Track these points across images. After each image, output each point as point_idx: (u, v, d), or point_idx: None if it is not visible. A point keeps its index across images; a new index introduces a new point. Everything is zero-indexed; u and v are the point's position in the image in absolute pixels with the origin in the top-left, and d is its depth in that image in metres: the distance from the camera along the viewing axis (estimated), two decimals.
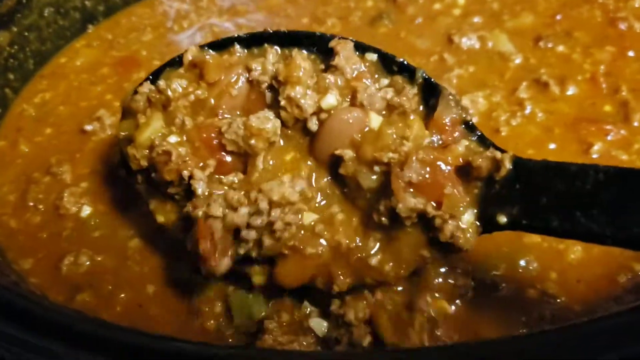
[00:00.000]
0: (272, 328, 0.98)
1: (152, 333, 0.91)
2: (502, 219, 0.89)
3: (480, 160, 0.89)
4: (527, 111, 1.29)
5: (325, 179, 0.99)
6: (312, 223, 0.94)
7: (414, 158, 0.90)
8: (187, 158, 0.95)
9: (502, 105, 1.31)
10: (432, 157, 0.91)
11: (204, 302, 1.04)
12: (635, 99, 1.28)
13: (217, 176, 0.96)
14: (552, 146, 1.22)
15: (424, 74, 0.99)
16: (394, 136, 0.94)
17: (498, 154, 0.90)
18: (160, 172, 0.96)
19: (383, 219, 0.92)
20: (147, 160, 0.98)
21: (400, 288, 1.02)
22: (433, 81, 0.99)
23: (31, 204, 1.22)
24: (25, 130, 1.38)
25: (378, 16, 1.59)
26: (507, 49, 1.42)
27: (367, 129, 0.96)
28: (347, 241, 0.94)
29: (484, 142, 0.97)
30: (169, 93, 0.99)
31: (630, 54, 1.37)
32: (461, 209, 0.90)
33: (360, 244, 0.95)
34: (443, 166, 0.91)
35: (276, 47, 1.03)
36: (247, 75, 1.00)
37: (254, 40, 1.04)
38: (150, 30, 1.65)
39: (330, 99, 0.96)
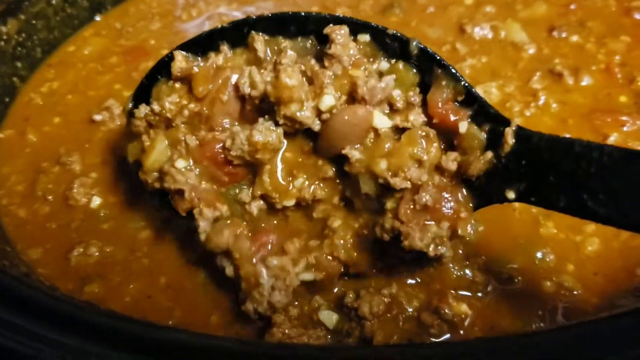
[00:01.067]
0: (281, 322, 0.96)
1: (161, 324, 0.92)
2: (511, 195, 0.90)
3: (472, 164, 0.90)
4: (541, 102, 1.27)
5: (330, 172, 0.99)
6: None
7: (429, 185, 0.92)
8: (197, 196, 0.95)
9: (515, 96, 1.29)
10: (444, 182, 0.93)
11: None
12: None
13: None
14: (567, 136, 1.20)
15: (419, 44, 0.95)
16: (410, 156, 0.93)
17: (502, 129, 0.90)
18: (175, 203, 0.96)
19: (385, 235, 0.93)
20: (159, 183, 0.97)
21: (413, 281, 1.01)
22: (430, 51, 0.95)
23: (40, 194, 1.21)
24: (33, 120, 1.37)
25: (389, 5, 1.57)
26: (521, 38, 1.40)
27: (371, 133, 0.94)
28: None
29: (487, 112, 0.93)
30: (167, 114, 0.98)
31: None
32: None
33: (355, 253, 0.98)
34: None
35: (262, 35, 0.98)
36: (236, 77, 0.96)
37: (239, 29, 0.99)
38: (158, 18, 1.64)
39: (328, 100, 0.92)
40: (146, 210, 1.15)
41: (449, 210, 0.92)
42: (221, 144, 0.95)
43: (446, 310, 0.97)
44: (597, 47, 1.36)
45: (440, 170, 0.94)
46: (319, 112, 0.93)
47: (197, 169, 0.97)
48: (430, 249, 0.90)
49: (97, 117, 1.33)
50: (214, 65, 0.99)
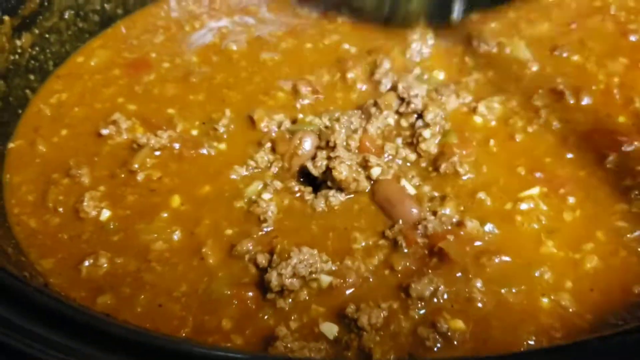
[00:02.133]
0: (283, 335, 1.00)
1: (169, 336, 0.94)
2: None
3: None
4: (542, 119, 1.30)
5: None
6: None
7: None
8: None
9: (518, 112, 1.32)
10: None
11: None
12: None
13: None
14: (569, 155, 1.24)
15: None
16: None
17: None
18: None
19: None
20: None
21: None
22: None
23: (51, 205, 1.22)
24: (42, 130, 1.38)
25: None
26: (525, 56, 1.43)
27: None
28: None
29: None
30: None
31: None
32: None
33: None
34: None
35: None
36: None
37: None
38: (162, 31, 1.64)
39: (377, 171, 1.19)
40: (159, 224, 1.18)
41: None
42: None
43: (442, 324, 1.00)
44: (597, 68, 1.39)
45: None
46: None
47: None
48: None
49: (104, 132, 1.34)
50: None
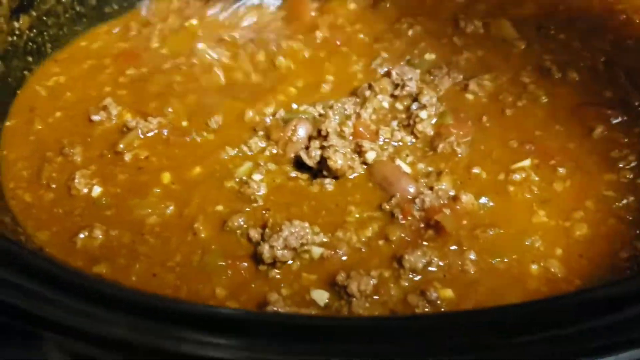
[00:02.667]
0: (275, 300, 1.01)
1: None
2: None
3: None
4: (531, 94, 1.32)
5: None
6: None
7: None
8: None
9: (507, 88, 1.34)
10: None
11: None
12: (633, 86, 1.33)
13: None
14: (558, 128, 1.26)
15: None
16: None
17: None
18: None
19: None
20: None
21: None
22: None
23: (44, 182, 1.23)
24: (38, 111, 1.39)
25: None
26: (511, 35, 1.45)
27: None
28: None
29: None
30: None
31: (629, 42, 1.42)
32: None
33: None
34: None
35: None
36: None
37: None
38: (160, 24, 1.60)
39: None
40: (153, 201, 1.19)
41: None
42: None
43: (432, 292, 1.01)
44: (583, 45, 1.42)
45: None
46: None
47: None
48: None
49: (95, 118, 1.35)
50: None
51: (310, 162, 1.21)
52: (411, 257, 1.05)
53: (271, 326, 0.76)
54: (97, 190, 1.21)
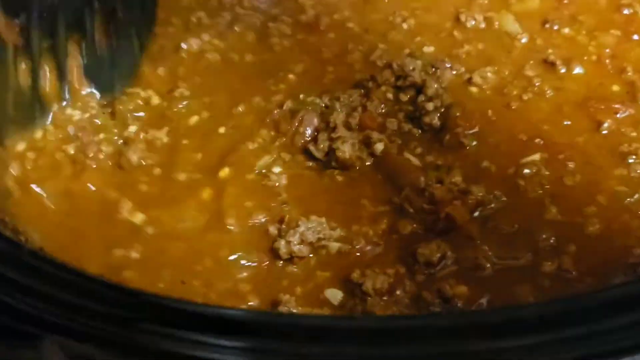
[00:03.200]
0: (287, 300, 1.00)
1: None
2: None
3: None
4: (536, 88, 1.30)
5: None
6: None
7: None
8: None
9: (511, 81, 1.32)
10: None
11: None
12: None
13: None
14: (566, 122, 1.25)
15: None
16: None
17: None
18: None
19: None
20: None
21: None
22: None
23: None
24: None
25: None
26: (514, 29, 1.43)
27: None
28: None
29: None
30: None
31: (635, 37, 1.39)
32: None
33: None
34: None
35: None
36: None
37: None
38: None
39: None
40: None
41: None
42: None
43: (447, 290, 1.00)
44: (589, 40, 1.39)
45: None
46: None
47: None
48: None
49: None
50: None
51: (318, 154, 1.21)
52: (425, 251, 1.04)
53: (280, 327, 0.75)
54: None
